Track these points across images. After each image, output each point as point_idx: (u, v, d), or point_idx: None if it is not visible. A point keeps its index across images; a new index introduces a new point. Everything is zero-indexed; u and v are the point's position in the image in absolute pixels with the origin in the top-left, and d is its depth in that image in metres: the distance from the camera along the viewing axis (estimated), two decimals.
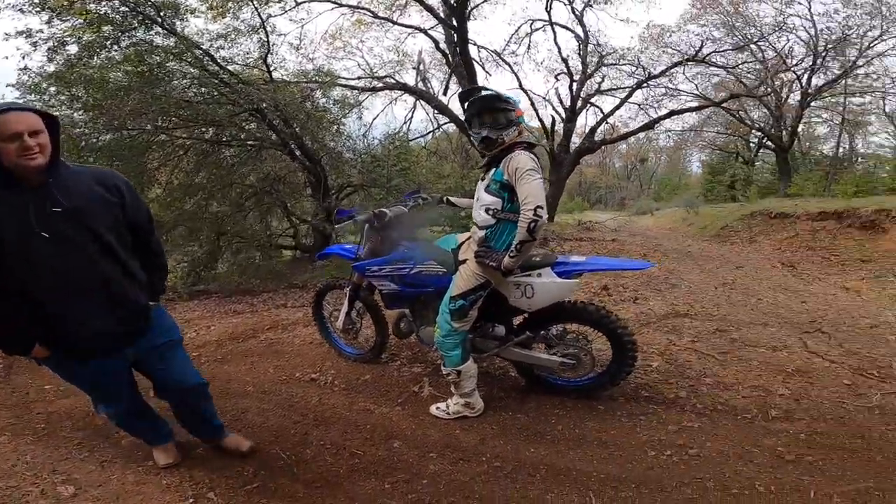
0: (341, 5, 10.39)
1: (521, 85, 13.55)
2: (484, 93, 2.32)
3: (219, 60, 7.33)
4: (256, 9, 7.55)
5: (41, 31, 6.36)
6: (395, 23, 11.30)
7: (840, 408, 2.67)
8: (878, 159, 18.62)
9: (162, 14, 6.56)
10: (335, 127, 8.94)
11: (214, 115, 7.92)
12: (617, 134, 15.03)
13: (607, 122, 14.32)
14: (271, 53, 8.04)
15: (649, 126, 13.77)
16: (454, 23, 10.20)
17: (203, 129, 8.52)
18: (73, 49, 6.52)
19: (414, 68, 11.93)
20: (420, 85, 11.81)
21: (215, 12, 7.58)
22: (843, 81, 15.84)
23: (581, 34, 12.90)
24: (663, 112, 13.76)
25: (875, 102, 18.43)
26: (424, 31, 11.53)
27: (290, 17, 9.52)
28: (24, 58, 6.46)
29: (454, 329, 2.41)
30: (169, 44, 6.83)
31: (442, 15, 10.40)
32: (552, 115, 13.49)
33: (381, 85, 11.18)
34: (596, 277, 5.81)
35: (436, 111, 11.84)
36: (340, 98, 9.58)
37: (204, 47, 7.15)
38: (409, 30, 11.51)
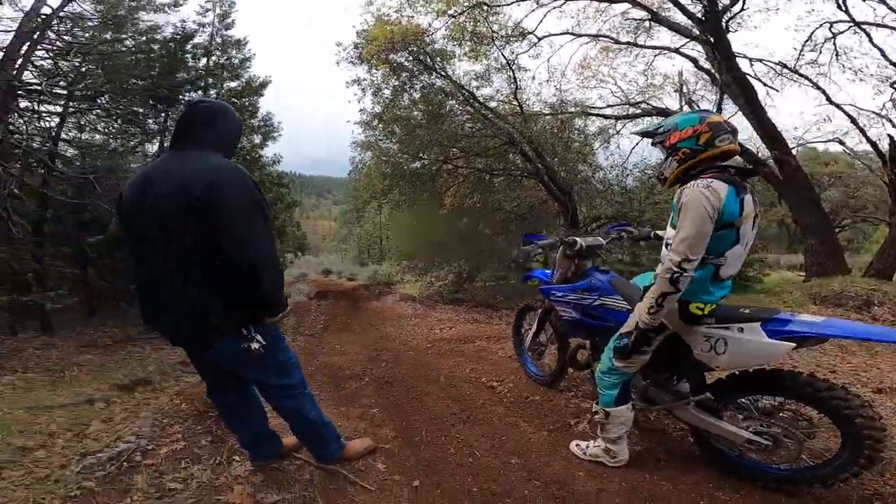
0: (578, 35, 10.28)
1: (829, 99, 10.14)
2: None
3: (479, 98, 8.54)
4: (499, 49, 8.45)
5: (365, 79, 8.85)
6: (639, 46, 10.42)
7: None
8: None
9: (434, 60, 8.19)
10: (587, 158, 9.01)
11: (486, 147, 9.25)
12: None
13: None
14: (520, 89, 8.78)
15: None
16: (708, 38, 8.76)
17: (478, 160, 10.01)
18: (387, 92, 8.85)
19: (676, 91, 10.59)
20: (685, 108, 10.38)
21: (471, 56, 8.87)
22: None
23: None
24: None
25: None
26: (676, 51, 10.18)
27: (532, 53, 9.91)
28: (359, 101, 9.16)
29: (614, 367, 2.19)
30: (444, 85, 8.44)
31: (696, 31, 9.06)
32: (890, 135, 9.48)
33: (638, 112, 10.44)
34: None
35: None
36: (598, 129, 9.57)
37: (468, 87, 8.50)
38: (661, 51, 10.40)
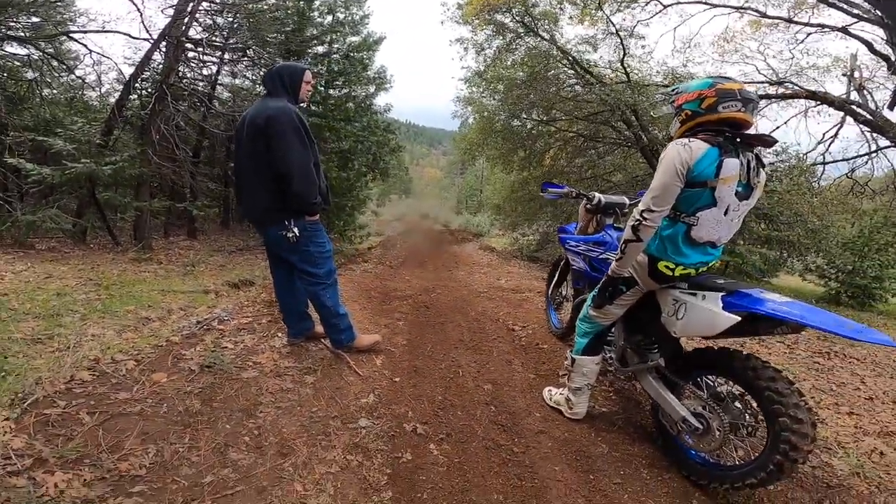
0: (715, 6, 8.89)
1: None
2: None
3: (583, 63, 8.22)
4: (608, 17, 7.90)
5: (468, 38, 9.11)
6: (795, 22, 8.79)
7: None
8: None
9: (537, 23, 8.02)
10: None
11: (593, 111, 8.95)
12: None
13: None
14: (629, 56, 8.19)
15: None
16: (886, 21, 7.09)
17: (580, 125, 9.73)
18: (490, 52, 8.98)
19: (844, 75, 8.71)
20: (854, 96, 8.58)
21: (579, 20, 8.41)
22: None
23: None
24: None
25: None
26: (844, 31, 8.42)
27: (647, 20, 9.04)
28: (461, 59, 9.48)
29: (589, 316, 2.34)
30: (547, 48, 8.26)
31: (874, 11, 7.34)
32: None
33: (786, 92, 8.86)
34: None
35: (871, 131, 8.38)
36: None
37: (571, 52, 8.21)
38: (824, 30, 8.67)
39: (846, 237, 9.00)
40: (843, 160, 9.68)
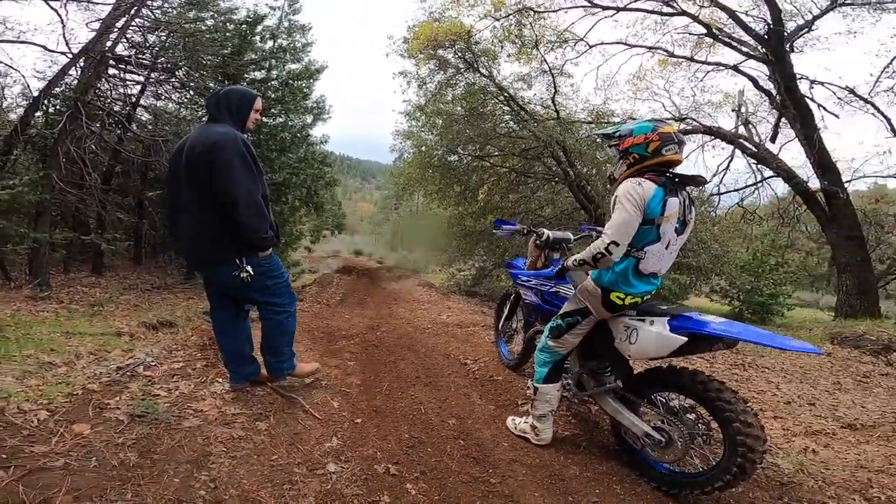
0: (632, 46, 10.08)
1: (892, 127, 9.31)
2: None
3: (518, 100, 8.76)
4: (543, 53, 8.59)
5: (412, 72, 9.35)
6: (695, 60, 10.07)
7: None
8: None
9: (478, 60, 8.49)
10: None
11: (522, 148, 9.43)
12: None
13: None
14: (559, 94, 8.87)
15: None
16: (769, 57, 8.51)
17: (514, 160, 10.18)
18: (431, 87, 9.27)
19: (733, 110, 10.12)
20: (741, 130, 9.94)
21: (516, 58, 9.07)
22: None
23: None
24: None
25: None
26: (735, 68, 9.77)
27: (576, 60, 9.72)
28: (403, 92, 9.66)
29: (548, 346, 2.42)
30: (486, 85, 8.72)
31: (761, 49, 8.73)
32: None
33: (683, 128, 9.93)
34: None
35: (757, 162, 9.68)
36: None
37: (508, 89, 8.73)
38: (720, 68, 10.06)
39: (742, 260, 10.11)
40: (734, 190, 10.60)
